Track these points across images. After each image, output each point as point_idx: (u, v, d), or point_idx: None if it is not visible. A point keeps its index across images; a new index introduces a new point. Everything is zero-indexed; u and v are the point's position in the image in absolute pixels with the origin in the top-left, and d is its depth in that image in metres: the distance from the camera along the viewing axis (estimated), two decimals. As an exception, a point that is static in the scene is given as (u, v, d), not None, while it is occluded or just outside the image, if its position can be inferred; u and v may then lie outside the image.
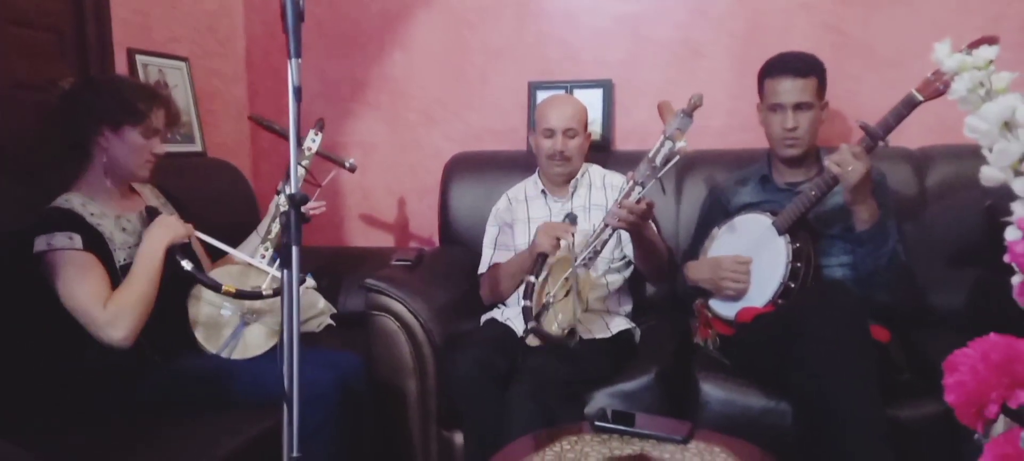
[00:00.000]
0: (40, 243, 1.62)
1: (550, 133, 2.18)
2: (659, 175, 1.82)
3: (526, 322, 1.84)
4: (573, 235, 1.94)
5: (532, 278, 1.91)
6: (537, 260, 1.93)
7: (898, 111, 1.73)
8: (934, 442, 1.64)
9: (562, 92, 2.52)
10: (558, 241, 1.92)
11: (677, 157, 1.80)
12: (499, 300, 2.21)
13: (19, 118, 1.95)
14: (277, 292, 1.88)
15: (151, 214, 1.82)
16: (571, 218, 2.00)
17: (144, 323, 1.66)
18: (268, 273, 1.88)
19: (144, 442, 1.55)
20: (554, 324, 1.86)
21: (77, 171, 1.76)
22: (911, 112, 1.72)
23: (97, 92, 1.76)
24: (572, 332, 1.87)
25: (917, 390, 1.71)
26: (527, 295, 1.88)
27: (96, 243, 1.67)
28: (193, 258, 1.82)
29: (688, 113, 1.81)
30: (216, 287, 1.74)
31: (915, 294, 2.00)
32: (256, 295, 1.81)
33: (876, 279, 1.85)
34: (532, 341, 1.87)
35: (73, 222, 1.65)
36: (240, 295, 1.77)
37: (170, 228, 1.77)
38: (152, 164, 1.80)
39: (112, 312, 1.62)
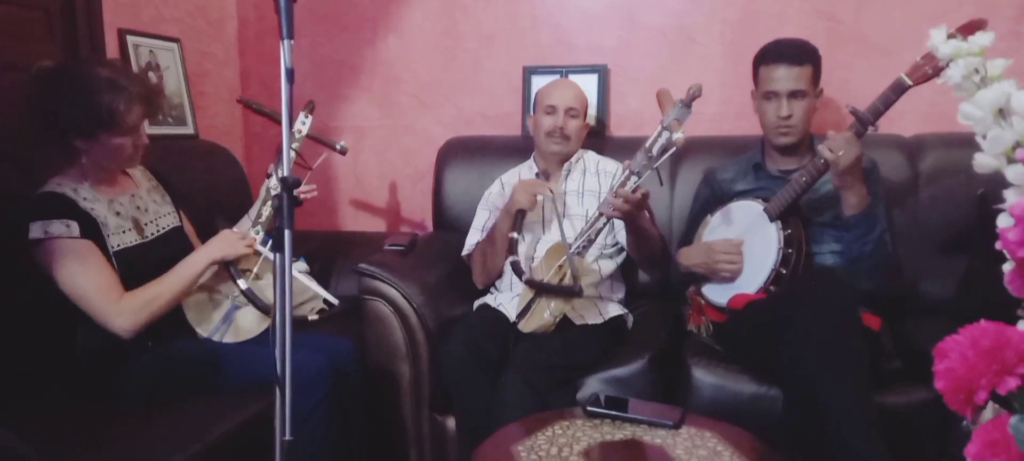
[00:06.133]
0: (36, 230, 1.59)
1: (552, 110, 2.18)
2: (655, 165, 1.81)
3: (518, 276, 1.86)
4: (550, 190, 1.99)
5: (514, 234, 1.95)
6: (516, 217, 1.98)
7: (887, 96, 1.72)
8: (924, 428, 1.66)
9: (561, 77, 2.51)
10: (536, 197, 1.97)
11: (674, 148, 1.78)
12: (491, 275, 2.20)
13: (4, 100, 1.90)
14: (321, 313, 2.00)
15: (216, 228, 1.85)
16: (544, 175, 2.05)
17: (152, 321, 1.66)
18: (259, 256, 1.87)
19: (134, 426, 1.54)
20: (546, 312, 1.86)
21: (63, 160, 1.70)
22: (900, 97, 1.71)
23: (62, 99, 1.61)
24: (574, 281, 1.86)
25: (907, 377, 1.73)
26: (512, 251, 1.92)
27: (91, 229, 1.65)
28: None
29: (687, 103, 1.79)
30: (267, 310, 1.79)
31: (899, 283, 2.01)
32: (301, 321, 1.91)
33: (860, 265, 1.85)
34: (525, 327, 1.87)
35: (67, 208, 1.63)
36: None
37: (229, 245, 1.78)
38: (140, 152, 1.75)
39: (128, 304, 1.62)
